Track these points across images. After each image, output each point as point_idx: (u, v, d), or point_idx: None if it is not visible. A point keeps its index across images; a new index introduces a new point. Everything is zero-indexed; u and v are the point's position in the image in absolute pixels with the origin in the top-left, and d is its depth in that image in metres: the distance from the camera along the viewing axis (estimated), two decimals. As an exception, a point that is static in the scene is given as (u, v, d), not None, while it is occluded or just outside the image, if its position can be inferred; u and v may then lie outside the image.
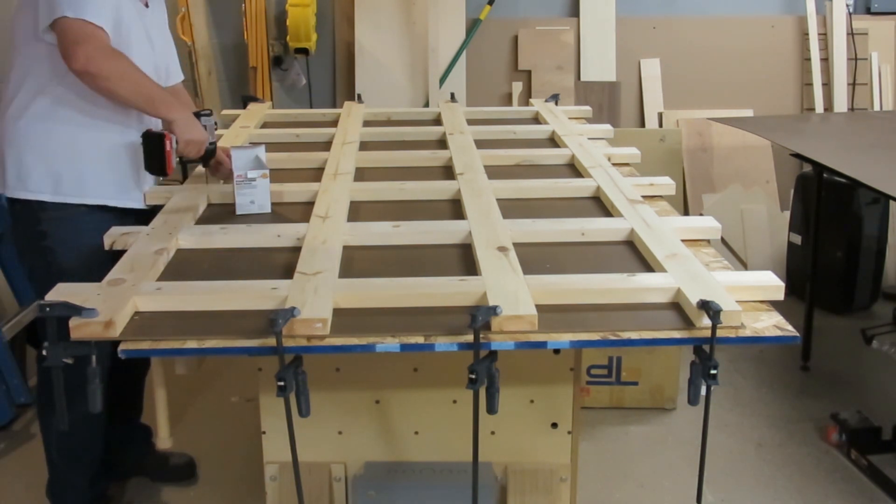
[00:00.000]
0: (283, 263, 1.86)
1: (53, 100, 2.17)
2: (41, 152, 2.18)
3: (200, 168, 2.47)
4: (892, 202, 3.95)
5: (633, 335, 1.56)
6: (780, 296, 1.70)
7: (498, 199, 2.20)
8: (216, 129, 2.36)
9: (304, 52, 4.40)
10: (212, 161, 2.34)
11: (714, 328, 1.51)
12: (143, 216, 2.26)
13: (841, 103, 4.57)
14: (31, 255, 2.29)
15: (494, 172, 2.46)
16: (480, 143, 2.79)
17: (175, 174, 2.47)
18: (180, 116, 2.17)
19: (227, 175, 2.34)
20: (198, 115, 2.26)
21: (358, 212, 2.19)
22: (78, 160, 2.21)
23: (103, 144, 2.23)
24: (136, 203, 2.32)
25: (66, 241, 2.21)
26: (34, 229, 2.23)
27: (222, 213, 2.22)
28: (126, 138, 2.25)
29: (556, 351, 2.02)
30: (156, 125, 2.23)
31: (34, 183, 2.19)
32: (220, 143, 2.75)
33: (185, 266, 1.89)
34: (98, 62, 2.03)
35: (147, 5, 2.34)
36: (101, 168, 2.24)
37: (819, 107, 4.58)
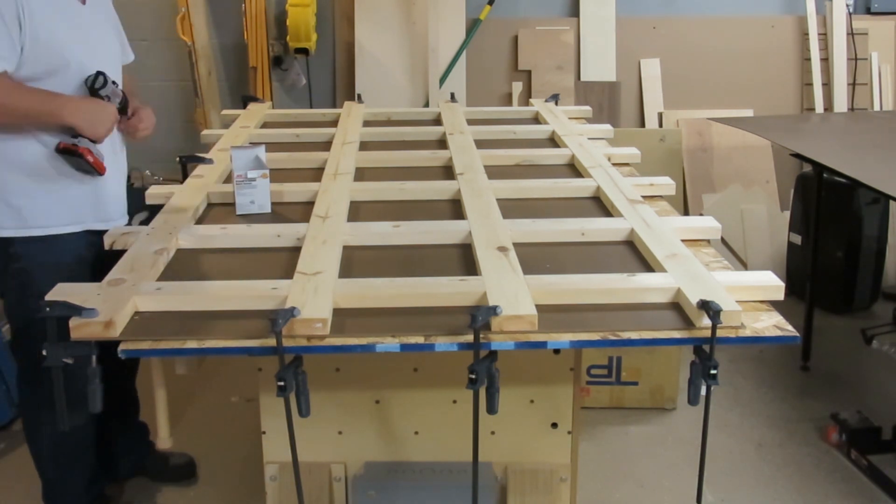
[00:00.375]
0: (283, 263, 1.86)
1: None
2: None
3: (201, 168, 2.48)
4: (892, 202, 3.95)
5: (633, 335, 1.56)
6: (780, 296, 1.70)
7: (498, 199, 2.20)
8: (117, 86, 2.24)
9: (304, 52, 4.40)
10: (130, 113, 2.30)
11: (714, 328, 1.51)
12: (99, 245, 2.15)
13: (841, 103, 4.57)
14: (4, 279, 2.22)
15: (494, 172, 2.46)
16: (480, 143, 2.78)
17: (174, 172, 2.44)
18: (73, 116, 2.09)
19: (148, 129, 2.34)
20: (93, 89, 2.15)
21: (358, 212, 2.19)
22: (30, 188, 2.15)
23: (41, 166, 2.15)
24: (98, 224, 2.26)
25: (39, 264, 2.17)
26: (5, 252, 2.18)
27: (222, 213, 2.22)
28: (41, 159, 2.15)
29: (556, 351, 2.03)
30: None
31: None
32: (219, 145, 2.76)
33: (185, 266, 1.89)
34: None
35: (84, 2, 2.23)
36: (53, 193, 2.18)
37: (819, 107, 4.58)
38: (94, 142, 2.16)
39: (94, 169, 2.16)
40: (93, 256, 2.25)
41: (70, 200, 2.22)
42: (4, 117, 2.05)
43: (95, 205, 2.28)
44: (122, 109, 2.28)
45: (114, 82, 2.21)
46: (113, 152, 2.31)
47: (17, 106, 2.05)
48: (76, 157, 2.12)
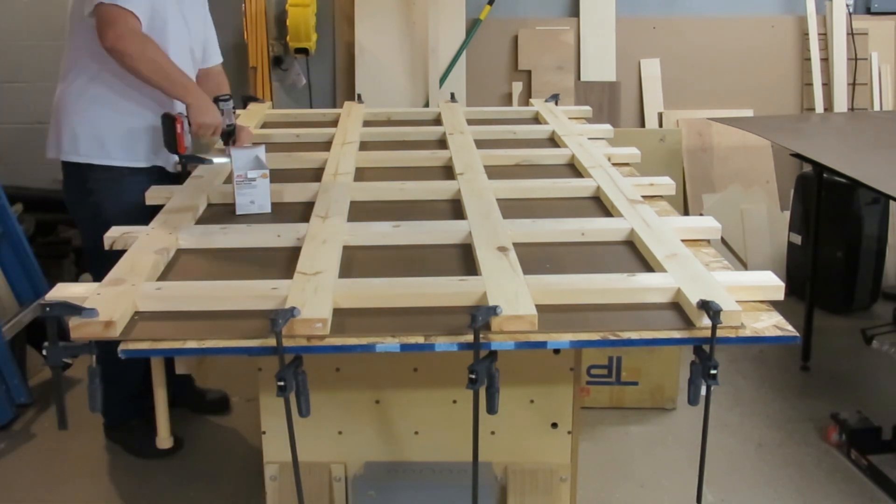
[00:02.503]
0: (283, 263, 1.86)
1: (95, 76, 2.49)
2: (88, 123, 2.52)
3: (200, 168, 2.49)
4: (892, 202, 3.95)
5: (633, 335, 1.56)
6: (780, 296, 1.70)
7: (498, 199, 2.20)
8: (235, 113, 2.54)
9: (304, 52, 4.40)
10: (231, 140, 2.53)
11: (714, 328, 1.51)
12: (176, 179, 2.57)
13: (841, 103, 4.57)
14: (81, 209, 2.64)
15: (494, 172, 2.47)
16: (480, 143, 2.79)
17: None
18: (195, 101, 2.39)
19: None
20: (217, 99, 2.45)
21: (358, 212, 2.19)
22: (117, 131, 2.54)
23: (138, 120, 2.55)
24: (168, 166, 2.63)
25: (110, 197, 2.56)
26: (84, 187, 2.58)
27: (222, 213, 2.22)
28: (156, 118, 2.47)
29: (556, 351, 2.02)
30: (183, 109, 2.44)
31: (84, 148, 2.54)
32: (219, 145, 2.76)
33: (185, 266, 1.89)
34: (124, 42, 2.30)
35: None
36: (138, 138, 2.56)
37: (819, 107, 4.58)
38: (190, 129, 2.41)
39: (176, 142, 2.35)
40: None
41: (148, 148, 2.60)
42: (153, 73, 2.36)
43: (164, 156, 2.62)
44: (228, 134, 2.50)
45: (234, 110, 2.54)
46: None
47: (165, 67, 2.37)
48: (169, 126, 2.35)
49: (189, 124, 2.38)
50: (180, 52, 2.56)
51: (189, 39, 2.63)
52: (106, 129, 2.54)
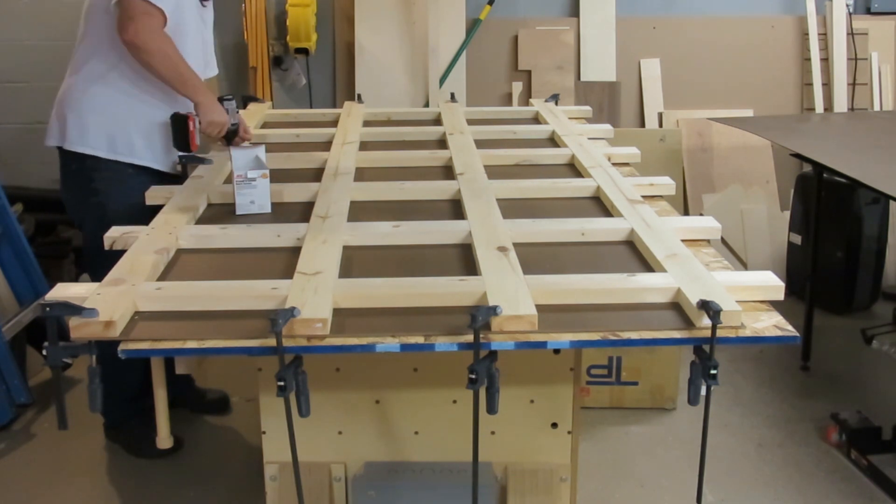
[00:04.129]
0: (283, 263, 1.86)
1: (111, 68, 2.50)
2: (99, 114, 2.52)
3: (200, 168, 2.49)
4: (892, 202, 3.95)
5: (633, 335, 1.56)
6: (780, 296, 1.70)
7: (498, 199, 2.20)
8: (238, 112, 2.58)
9: (304, 52, 4.40)
10: (234, 139, 2.55)
11: (714, 328, 1.51)
12: (178, 180, 2.55)
13: (841, 103, 4.57)
14: (84, 207, 2.63)
15: (494, 172, 2.47)
16: (480, 143, 2.79)
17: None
18: (205, 99, 2.46)
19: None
20: (220, 99, 2.51)
21: (358, 212, 2.19)
22: (128, 125, 2.55)
23: (149, 116, 2.55)
24: (173, 169, 2.64)
25: (115, 195, 2.55)
26: (88, 186, 2.57)
27: (222, 213, 2.22)
28: (167, 115, 2.50)
29: (556, 351, 2.02)
30: (190, 108, 2.49)
31: (92, 140, 2.53)
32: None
33: (185, 266, 1.89)
34: (144, 37, 2.34)
35: (203, 4, 2.65)
36: (147, 135, 2.57)
37: (819, 107, 4.57)
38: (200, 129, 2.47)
39: (187, 140, 2.44)
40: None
41: (153, 148, 2.60)
42: (167, 69, 2.40)
43: (169, 158, 2.65)
44: (231, 134, 2.54)
45: (237, 109, 2.58)
46: None
47: (179, 65, 2.41)
48: (181, 125, 2.43)
49: (199, 122, 2.44)
50: (195, 55, 2.59)
51: (203, 48, 2.69)
52: (116, 124, 2.54)
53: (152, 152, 2.61)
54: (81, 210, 2.66)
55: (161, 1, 2.36)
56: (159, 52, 2.37)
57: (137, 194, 2.42)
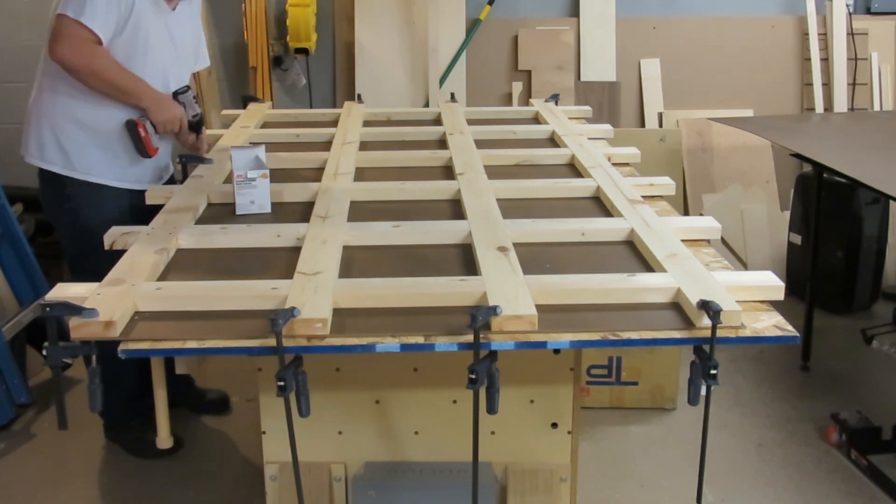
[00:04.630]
0: (283, 263, 1.86)
1: (57, 78, 2.43)
2: (52, 126, 2.47)
3: (200, 168, 2.49)
4: (892, 202, 3.95)
5: (633, 335, 1.56)
6: (780, 296, 1.70)
7: (498, 199, 2.20)
8: (196, 103, 2.59)
9: (304, 52, 4.40)
10: (203, 128, 2.58)
11: (714, 328, 1.51)
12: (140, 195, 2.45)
13: (841, 103, 4.57)
14: (58, 213, 2.59)
15: (494, 172, 2.46)
16: (480, 143, 2.78)
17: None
18: (150, 102, 2.44)
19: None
20: (175, 94, 2.51)
21: (358, 212, 2.19)
22: (83, 140, 2.48)
23: (105, 126, 2.48)
24: (136, 185, 2.55)
25: (86, 206, 2.51)
26: (61, 192, 2.53)
27: (222, 213, 2.22)
28: (118, 124, 2.48)
29: (556, 351, 2.02)
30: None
31: (49, 155, 2.49)
32: (220, 143, 2.77)
33: (185, 266, 1.89)
34: (71, 57, 2.31)
35: (174, 9, 2.56)
36: (106, 148, 2.49)
37: (819, 107, 4.57)
38: (155, 130, 2.48)
39: (143, 146, 2.46)
40: (137, 206, 2.46)
41: (114, 161, 2.52)
42: (100, 84, 2.38)
43: (136, 170, 2.58)
44: (196, 125, 2.56)
45: (195, 99, 2.59)
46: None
47: (113, 78, 2.38)
48: (135, 132, 2.44)
49: (153, 126, 2.45)
50: (160, 65, 2.51)
51: (176, 53, 2.59)
52: (71, 141, 2.48)
53: (118, 167, 2.53)
54: (56, 216, 2.62)
55: (94, 21, 2.30)
56: (86, 69, 2.33)
57: (111, 208, 2.42)
